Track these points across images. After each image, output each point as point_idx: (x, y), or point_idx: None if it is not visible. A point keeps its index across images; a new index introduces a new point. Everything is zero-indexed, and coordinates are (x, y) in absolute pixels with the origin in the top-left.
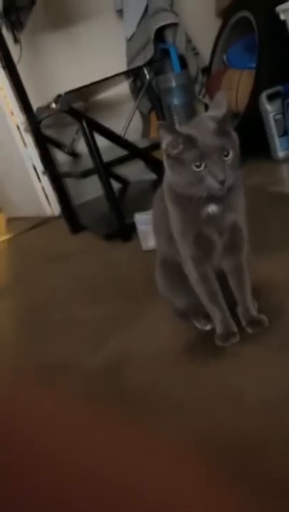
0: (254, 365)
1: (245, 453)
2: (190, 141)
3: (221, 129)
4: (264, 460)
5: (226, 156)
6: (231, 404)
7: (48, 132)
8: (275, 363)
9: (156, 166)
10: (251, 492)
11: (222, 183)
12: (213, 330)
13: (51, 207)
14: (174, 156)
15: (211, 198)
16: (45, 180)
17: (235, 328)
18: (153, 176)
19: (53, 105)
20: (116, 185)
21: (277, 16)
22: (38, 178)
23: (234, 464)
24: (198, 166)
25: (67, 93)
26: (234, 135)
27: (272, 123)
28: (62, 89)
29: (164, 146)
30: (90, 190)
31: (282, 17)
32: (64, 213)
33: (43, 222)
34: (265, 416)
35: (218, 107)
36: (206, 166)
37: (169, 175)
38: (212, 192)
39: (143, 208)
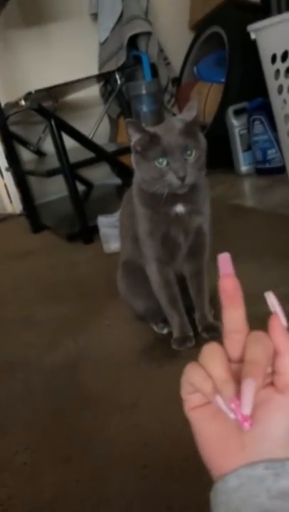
0: None
1: (193, 454)
2: (154, 139)
3: (188, 129)
4: None
5: (189, 155)
6: (182, 407)
7: (15, 129)
8: None
9: (122, 171)
10: (195, 493)
11: (182, 179)
12: (170, 333)
13: (13, 204)
14: (139, 152)
15: (178, 198)
16: (9, 177)
17: (191, 333)
18: (117, 181)
19: (22, 102)
20: (80, 187)
21: (248, 34)
22: (1, 174)
23: (181, 464)
24: (160, 163)
25: (37, 91)
26: (201, 138)
27: (237, 138)
28: (32, 86)
29: (131, 143)
30: (53, 190)
31: (252, 36)
32: (26, 211)
33: (4, 219)
34: None
35: (189, 111)
36: (168, 163)
37: (136, 172)
38: (173, 188)
39: (106, 210)
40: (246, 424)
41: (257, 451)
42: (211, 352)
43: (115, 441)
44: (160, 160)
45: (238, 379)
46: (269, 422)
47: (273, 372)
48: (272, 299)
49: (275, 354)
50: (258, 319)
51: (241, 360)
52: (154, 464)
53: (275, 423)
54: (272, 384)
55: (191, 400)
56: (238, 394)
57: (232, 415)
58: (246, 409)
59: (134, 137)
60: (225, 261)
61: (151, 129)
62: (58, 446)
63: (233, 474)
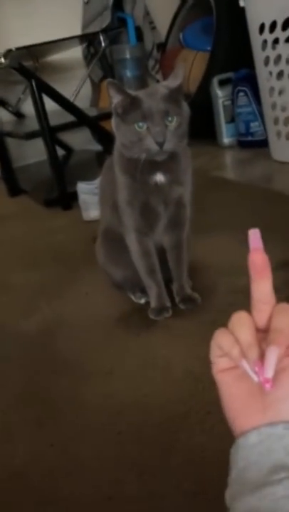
0: (184, 339)
1: (166, 421)
2: (135, 102)
3: (171, 96)
4: (183, 429)
5: (170, 121)
6: (159, 375)
7: None
8: (203, 339)
9: (103, 137)
10: (166, 459)
11: (160, 145)
12: (147, 303)
13: None
14: (120, 115)
15: (157, 166)
16: None
17: (168, 304)
18: (98, 147)
19: (2, 60)
20: (60, 152)
21: (237, 1)
22: None
23: (153, 431)
24: (140, 127)
25: (18, 49)
26: (184, 106)
27: (221, 109)
28: (12, 44)
29: (112, 104)
30: (32, 153)
31: (241, 3)
32: (3, 174)
33: None
34: (189, 387)
35: (175, 78)
36: (148, 128)
37: (116, 136)
38: (151, 154)
39: (86, 177)
40: (268, 386)
41: (277, 412)
42: (239, 319)
43: (90, 408)
44: (140, 124)
45: (262, 346)
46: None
47: None
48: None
49: None
50: (238, 292)
51: (267, 329)
52: (127, 431)
53: None
54: None
55: (219, 363)
56: (262, 358)
57: (255, 378)
58: (268, 373)
59: (115, 99)
60: (255, 236)
61: (133, 92)
62: (32, 410)
63: (255, 431)
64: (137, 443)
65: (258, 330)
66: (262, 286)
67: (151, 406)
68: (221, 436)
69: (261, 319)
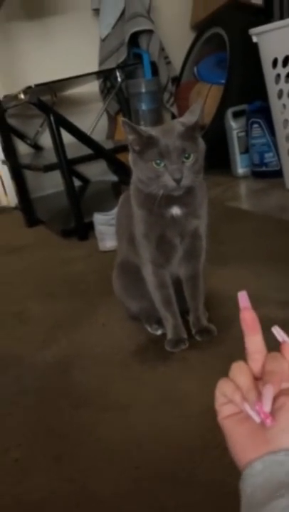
0: (200, 371)
1: (184, 456)
2: (151, 141)
3: (187, 133)
4: (201, 464)
5: (187, 158)
6: (176, 408)
7: (12, 122)
8: (220, 371)
9: (119, 168)
10: (185, 495)
11: (178, 181)
12: (163, 335)
13: (8, 197)
14: (137, 151)
15: (174, 200)
16: (5, 170)
17: (185, 335)
18: (114, 178)
19: (22, 96)
20: (76, 183)
21: (249, 37)
22: None
23: (171, 466)
24: (157, 164)
25: (37, 85)
26: (201, 142)
27: (235, 140)
28: (31, 80)
29: (128, 142)
30: (49, 184)
31: (254, 39)
32: (21, 205)
33: None
34: (206, 421)
35: (191, 115)
36: (164, 165)
37: (133, 171)
38: (169, 190)
39: (102, 208)
40: (268, 421)
41: (279, 443)
42: (238, 368)
43: (107, 442)
44: (157, 161)
45: (260, 391)
46: (287, 419)
47: None
48: (279, 331)
49: None
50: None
51: (262, 376)
52: (145, 465)
53: None
54: (288, 394)
55: (224, 411)
56: (260, 399)
57: (257, 418)
58: (266, 407)
59: (130, 137)
60: (243, 297)
61: (148, 130)
62: (50, 444)
63: (259, 460)
64: (155, 478)
65: (255, 378)
66: (254, 340)
67: (169, 440)
68: (238, 472)
69: (256, 367)
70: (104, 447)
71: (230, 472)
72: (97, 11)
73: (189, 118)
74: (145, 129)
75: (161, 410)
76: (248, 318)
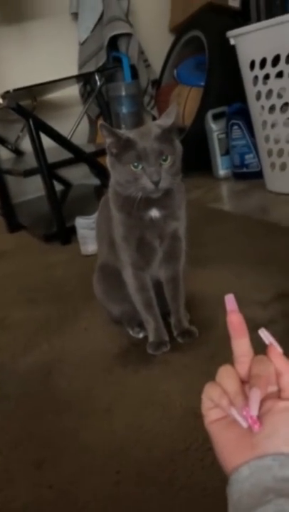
0: (182, 374)
1: (166, 459)
2: (129, 143)
3: (164, 136)
4: (183, 466)
5: (164, 160)
6: (158, 411)
7: None
8: (202, 373)
9: (100, 172)
10: (166, 498)
11: (156, 183)
12: (145, 338)
13: None
14: (115, 155)
15: (152, 203)
16: None
17: (166, 338)
18: (96, 181)
19: (0, 101)
20: (58, 187)
21: (227, 39)
22: None
23: (153, 469)
24: (135, 167)
25: (15, 90)
26: (177, 144)
27: (215, 142)
28: (10, 85)
29: (106, 145)
30: (31, 189)
31: (232, 42)
32: (2, 210)
33: None
34: (188, 423)
35: (168, 117)
36: (142, 167)
37: (111, 174)
38: (147, 192)
39: (84, 211)
40: (256, 427)
41: (265, 448)
42: (225, 372)
43: (89, 447)
44: (135, 164)
45: (247, 395)
46: (274, 424)
47: (279, 390)
48: (266, 334)
49: (278, 375)
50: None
51: (248, 379)
52: (127, 470)
53: (279, 424)
54: (275, 397)
55: (210, 415)
56: (247, 403)
57: (244, 424)
58: (254, 411)
59: (108, 140)
60: (230, 300)
61: (126, 133)
62: (31, 450)
63: (245, 466)
64: (137, 482)
65: (242, 381)
66: (241, 343)
67: (151, 443)
68: (222, 474)
69: (243, 370)
70: (86, 452)
71: (211, 474)
72: (75, 15)
73: (166, 120)
74: (122, 131)
75: (143, 414)
76: (235, 321)
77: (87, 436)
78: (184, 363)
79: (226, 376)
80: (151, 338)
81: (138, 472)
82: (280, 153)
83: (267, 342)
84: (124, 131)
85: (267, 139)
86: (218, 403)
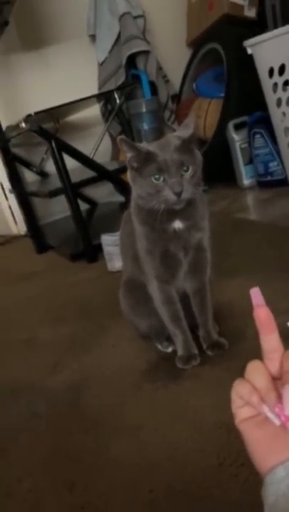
0: (213, 387)
1: (199, 476)
2: (149, 156)
3: (184, 146)
4: (216, 483)
5: (185, 171)
6: (189, 427)
7: (17, 151)
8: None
9: (124, 189)
10: None
11: (178, 195)
12: (174, 352)
13: (17, 225)
14: (135, 168)
15: (175, 214)
16: (12, 199)
17: (196, 351)
18: (121, 198)
19: (23, 124)
20: (84, 206)
21: (245, 49)
22: (5, 196)
23: (186, 487)
24: (157, 179)
25: (37, 113)
26: (197, 154)
27: (238, 152)
28: (33, 109)
29: (126, 159)
30: (57, 209)
31: (249, 51)
32: (30, 232)
33: (9, 240)
34: (221, 438)
35: (186, 128)
36: (164, 179)
37: (133, 188)
38: (170, 204)
39: (110, 229)
40: None
41: None
42: (254, 367)
43: (120, 465)
44: (156, 176)
45: (278, 391)
46: None
47: None
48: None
49: None
50: None
51: (280, 376)
52: (159, 488)
53: None
54: None
55: (241, 414)
56: (280, 400)
57: (277, 421)
58: (288, 410)
59: (128, 154)
60: (256, 294)
61: (146, 146)
62: (62, 471)
63: (281, 466)
64: (170, 501)
65: (272, 378)
66: (270, 338)
67: (183, 460)
68: (256, 489)
69: (274, 366)
70: (118, 471)
71: (246, 490)
72: (93, 37)
73: (184, 131)
74: (142, 145)
75: (174, 429)
76: (263, 315)
77: (118, 454)
78: (215, 376)
79: (255, 372)
80: (180, 352)
81: (171, 490)
82: None
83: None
84: (144, 144)
85: None
86: (249, 400)
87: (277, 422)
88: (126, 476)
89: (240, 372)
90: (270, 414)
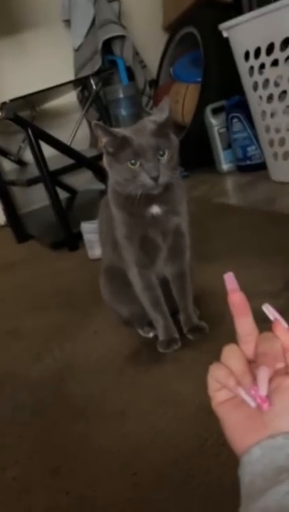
0: (194, 370)
1: (182, 458)
2: (125, 141)
3: (159, 130)
4: (199, 464)
5: (162, 155)
6: (171, 410)
7: None
8: None
9: (104, 176)
10: (184, 498)
11: (155, 179)
12: (155, 336)
13: None
14: (111, 154)
15: (152, 199)
16: None
17: (176, 335)
18: (101, 186)
19: None
20: (64, 195)
21: (221, 33)
22: None
23: (169, 469)
24: (133, 164)
25: (12, 100)
26: (173, 138)
27: (216, 136)
28: (8, 96)
29: (102, 144)
30: (37, 198)
31: (225, 35)
32: (10, 222)
33: None
34: (202, 420)
35: (161, 112)
36: (140, 164)
37: (109, 174)
38: (147, 189)
39: (91, 217)
40: (265, 406)
41: (277, 427)
42: (230, 351)
43: (105, 451)
44: (133, 161)
45: (254, 374)
46: (283, 401)
47: (287, 366)
48: (270, 309)
49: (285, 351)
50: None
51: (255, 359)
52: (143, 471)
53: None
54: (283, 374)
55: (217, 397)
56: (255, 382)
57: (253, 403)
58: (262, 391)
59: (104, 139)
60: (230, 278)
61: (121, 131)
62: (47, 458)
63: (257, 446)
64: (154, 483)
65: (248, 361)
66: (245, 322)
67: (166, 443)
68: (235, 469)
69: (249, 349)
70: (102, 456)
71: (227, 469)
72: (68, 22)
73: (160, 115)
74: (117, 130)
75: (156, 413)
76: (237, 299)
77: (102, 440)
78: (196, 360)
79: (231, 356)
80: (161, 337)
81: (155, 473)
82: (282, 142)
83: (272, 318)
84: (120, 130)
85: (267, 129)
86: (225, 384)
87: (253, 404)
88: (110, 461)
89: (220, 355)
90: (245, 397)
